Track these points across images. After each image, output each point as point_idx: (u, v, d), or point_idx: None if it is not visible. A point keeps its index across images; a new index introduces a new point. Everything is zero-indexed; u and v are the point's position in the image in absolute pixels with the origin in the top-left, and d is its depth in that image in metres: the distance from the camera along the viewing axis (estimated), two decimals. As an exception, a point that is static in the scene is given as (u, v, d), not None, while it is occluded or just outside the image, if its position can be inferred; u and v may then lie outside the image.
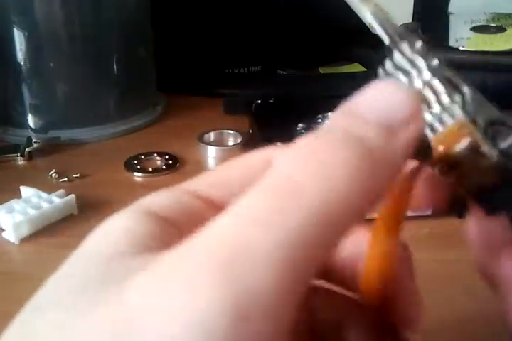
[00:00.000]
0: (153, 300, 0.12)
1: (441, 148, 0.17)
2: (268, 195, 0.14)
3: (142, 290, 0.13)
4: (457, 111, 0.17)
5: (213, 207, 0.17)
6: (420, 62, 0.17)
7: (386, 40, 0.17)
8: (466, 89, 0.17)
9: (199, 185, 0.18)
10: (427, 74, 0.17)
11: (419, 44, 0.17)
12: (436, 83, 0.17)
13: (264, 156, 0.19)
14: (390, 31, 0.17)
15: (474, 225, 0.19)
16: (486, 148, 0.17)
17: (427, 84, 0.17)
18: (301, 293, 0.13)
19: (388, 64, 0.18)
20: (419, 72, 0.17)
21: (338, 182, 0.13)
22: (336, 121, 0.15)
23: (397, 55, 0.17)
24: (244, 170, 0.18)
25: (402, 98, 0.15)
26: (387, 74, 0.18)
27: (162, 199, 0.17)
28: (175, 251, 0.13)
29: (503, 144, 0.17)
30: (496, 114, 0.17)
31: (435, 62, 0.17)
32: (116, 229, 0.16)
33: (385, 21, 0.17)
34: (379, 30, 0.17)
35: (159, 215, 0.17)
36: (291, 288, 0.13)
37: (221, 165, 0.19)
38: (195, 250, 0.13)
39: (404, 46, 0.17)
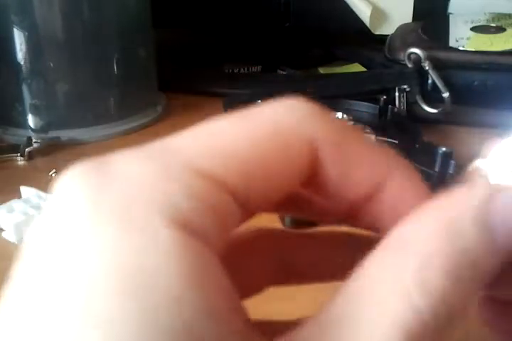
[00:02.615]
0: None
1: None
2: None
3: None
4: None
5: (233, 197, 0.14)
6: None
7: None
8: None
9: (224, 171, 0.14)
10: None
11: None
12: None
13: (305, 142, 0.15)
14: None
15: None
16: None
17: None
18: None
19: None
20: None
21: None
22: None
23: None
24: (276, 160, 0.14)
25: None
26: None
27: (197, 211, 0.13)
28: None
29: None
30: None
31: None
32: (186, 271, 0.12)
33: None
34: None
35: (201, 238, 0.13)
36: None
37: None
38: None
39: None
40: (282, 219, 0.40)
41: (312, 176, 0.15)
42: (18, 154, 0.50)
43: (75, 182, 0.13)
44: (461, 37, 0.58)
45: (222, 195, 0.13)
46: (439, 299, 0.12)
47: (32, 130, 0.54)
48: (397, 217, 0.15)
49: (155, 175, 0.13)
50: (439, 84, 0.54)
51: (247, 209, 0.14)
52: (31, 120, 0.54)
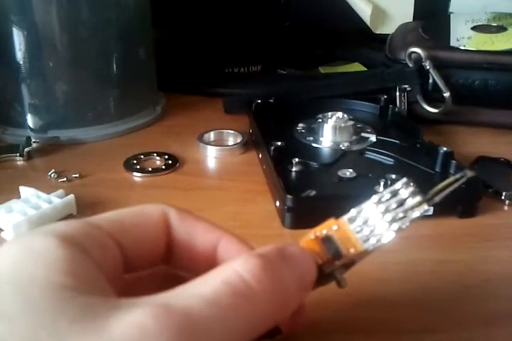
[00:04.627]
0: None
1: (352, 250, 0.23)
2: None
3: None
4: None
5: (110, 237, 0.23)
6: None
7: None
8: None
9: (100, 219, 0.23)
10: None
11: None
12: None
13: (158, 208, 0.25)
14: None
15: None
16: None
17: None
18: None
19: None
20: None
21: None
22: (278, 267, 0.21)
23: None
24: (137, 215, 0.24)
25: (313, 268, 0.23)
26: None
27: (72, 228, 0.22)
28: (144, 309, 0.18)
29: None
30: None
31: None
32: (54, 257, 0.19)
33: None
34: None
35: (75, 242, 0.21)
36: None
37: (121, 209, 0.25)
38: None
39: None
40: (282, 220, 0.39)
41: (170, 245, 0.24)
42: (18, 154, 0.50)
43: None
44: (462, 36, 0.58)
45: (96, 230, 0.22)
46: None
47: (31, 130, 0.54)
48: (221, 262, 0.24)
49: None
50: (440, 83, 0.54)
51: (129, 251, 0.23)
52: (30, 120, 0.53)
